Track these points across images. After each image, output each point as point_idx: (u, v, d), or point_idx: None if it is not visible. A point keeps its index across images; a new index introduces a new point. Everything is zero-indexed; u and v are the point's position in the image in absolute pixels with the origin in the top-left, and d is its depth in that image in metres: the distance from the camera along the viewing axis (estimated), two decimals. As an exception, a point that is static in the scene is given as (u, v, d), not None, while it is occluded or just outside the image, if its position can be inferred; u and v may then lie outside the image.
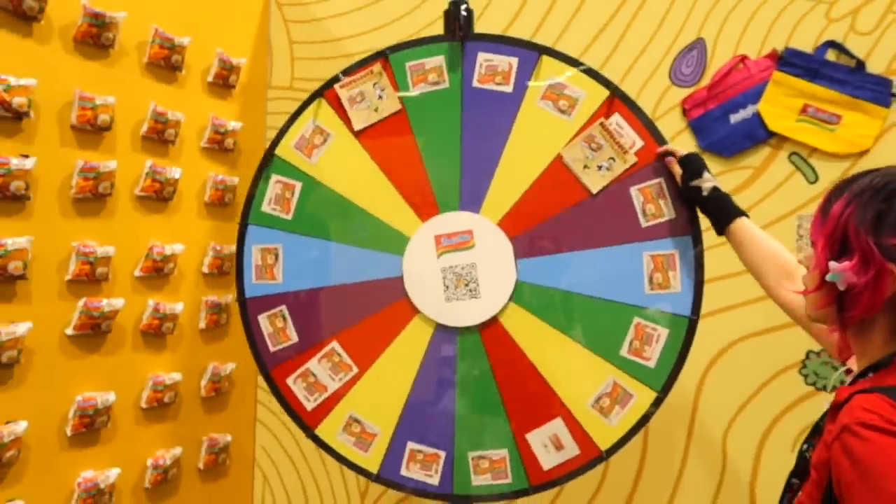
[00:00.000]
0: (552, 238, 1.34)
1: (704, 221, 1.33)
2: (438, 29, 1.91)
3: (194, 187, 1.91)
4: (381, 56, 1.45)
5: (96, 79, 1.63)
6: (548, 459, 1.32)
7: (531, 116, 1.36)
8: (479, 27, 1.48)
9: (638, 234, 1.32)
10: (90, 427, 1.63)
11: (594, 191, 1.33)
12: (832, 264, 0.89)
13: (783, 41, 1.69)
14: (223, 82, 1.96)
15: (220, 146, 1.97)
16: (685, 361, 1.31)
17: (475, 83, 1.38)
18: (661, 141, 1.35)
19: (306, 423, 1.45)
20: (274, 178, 1.50)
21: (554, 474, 1.32)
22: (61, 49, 1.56)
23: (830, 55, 1.66)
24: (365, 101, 1.44)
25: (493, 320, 1.33)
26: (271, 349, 1.47)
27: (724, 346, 1.70)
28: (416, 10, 2.00)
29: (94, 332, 1.63)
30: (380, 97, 1.43)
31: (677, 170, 1.33)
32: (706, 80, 1.74)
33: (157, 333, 1.80)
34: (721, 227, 1.30)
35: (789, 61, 1.68)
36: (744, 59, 1.72)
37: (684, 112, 1.75)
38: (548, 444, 1.32)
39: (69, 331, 1.59)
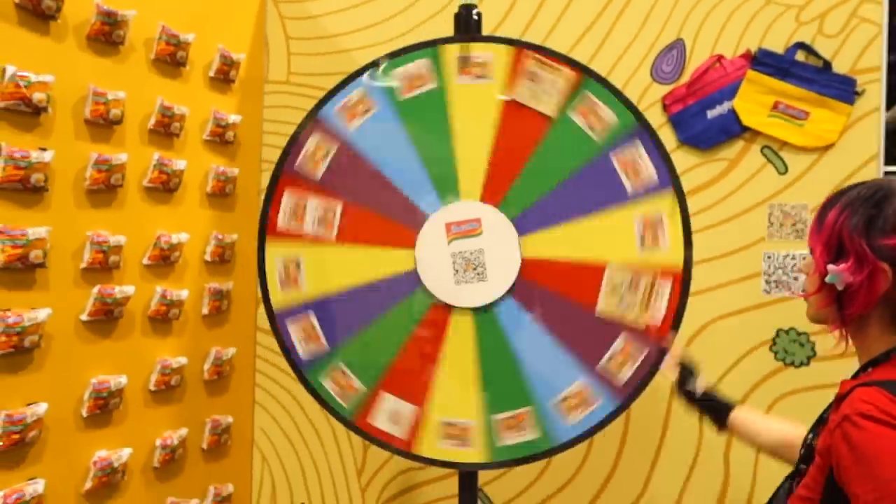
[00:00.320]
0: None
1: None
2: (433, 26, 2.02)
3: (197, 178, 1.98)
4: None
5: (108, 74, 1.69)
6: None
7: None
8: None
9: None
10: (104, 409, 1.70)
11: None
12: (830, 267, 0.99)
13: (756, 42, 1.81)
14: (224, 77, 2.03)
15: (221, 139, 2.04)
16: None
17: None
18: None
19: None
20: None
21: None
22: (76, 46, 1.62)
23: (800, 56, 1.78)
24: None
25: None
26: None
27: (701, 325, 1.83)
28: (410, 7, 2.08)
29: (107, 317, 1.70)
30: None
31: (673, 373, 1.40)
32: (685, 78, 1.85)
33: (164, 319, 1.87)
34: (720, 425, 1.36)
35: (762, 61, 1.79)
36: (720, 58, 1.83)
37: (665, 107, 1.86)
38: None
39: (84, 317, 1.65)
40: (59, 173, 1.59)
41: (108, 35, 1.67)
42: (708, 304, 1.81)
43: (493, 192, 1.46)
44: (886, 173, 1.74)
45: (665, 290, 1.42)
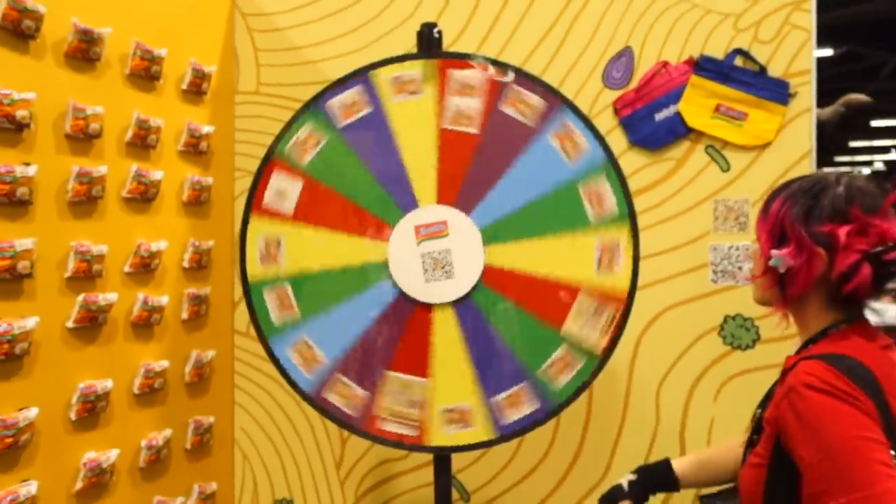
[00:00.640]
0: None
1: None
2: (394, 38, 2.12)
3: (174, 188, 2.04)
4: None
5: (86, 90, 1.75)
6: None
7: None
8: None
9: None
10: (91, 412, 1.76)
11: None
12: (773, 252, 1.10)
13: (699, 49, 1.94)
14: (196, 89, 2.10)
15: (195, 149, 2.11)
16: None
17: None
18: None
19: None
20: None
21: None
22: (55, 64, 1.68)
23: (738, 61, 1.92)
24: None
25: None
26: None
27: (655, 315, 1.96)
28: (371, 21, 2.17)
29: (91, 324, 1.76)
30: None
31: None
32: (634, 83, 1.98)
33: (146, 324, 1.94)
34: (674, 488, 1.38)
35: (704, 66, 1.93)
36: (666, 64, 1.97)
37: (616, 111, 1.99)
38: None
39: (70, 324, 1.71)
40: (43, 187, 1.65)
41: (85, 52, 1.74)
42: (660, 295, 1.94)
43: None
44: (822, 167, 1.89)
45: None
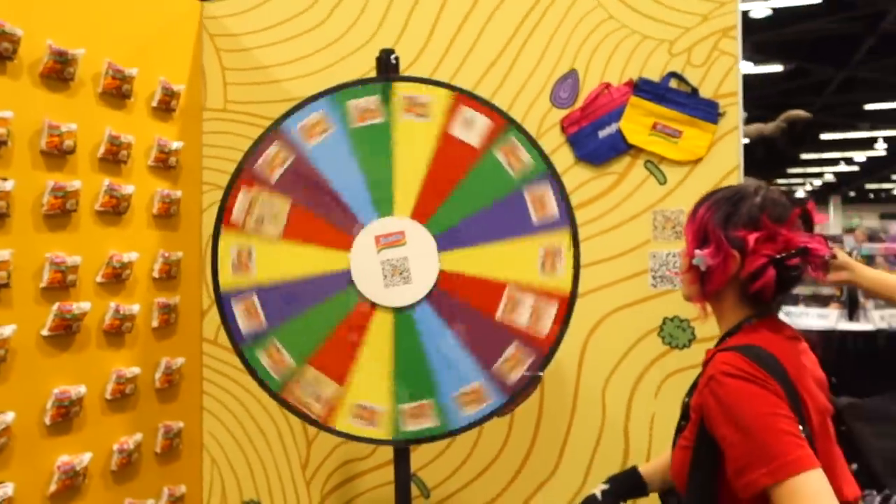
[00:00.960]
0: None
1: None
2: (355, 60, 2.25)
3: (144, 201, 2.13)
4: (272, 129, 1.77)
5: (61, 109, 1.84)
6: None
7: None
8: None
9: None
10: (65, 417, 1.84)
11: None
12: (696, 252, 1.25)
13: (637, 72, 2.10)
14: (165, 107, 2.20)
15: (164, 164, 2.20)
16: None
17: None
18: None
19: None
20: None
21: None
22: (31, 84, 1.77)
23: (673, 83, 2.07)
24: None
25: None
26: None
27: (599, 318, 2.10)
28: (334, 43, 2.29)
29: (66, 332, 1.84)
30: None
31: None
32: (579, 103, 2.12)
33: (117, 332, 2.02)
34: (644, 493, 1.47)
35: (642, 88, 2.08)
36: (608, 86, 2.12)
37: (563, 129, 2.13)
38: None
39: (45, 332, 1.79)
40: (19, 200, 1.73)
41: (59, 72, 1.83)
42: (604, 300, 2.08)
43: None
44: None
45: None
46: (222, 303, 1.75)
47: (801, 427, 1.09)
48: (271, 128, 1.77)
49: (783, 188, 1.28)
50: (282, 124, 1.75)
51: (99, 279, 1.96)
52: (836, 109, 13.28)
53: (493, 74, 2.16)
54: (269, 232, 1.75)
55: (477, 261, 1.71)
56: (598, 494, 1.46)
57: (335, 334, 1.75)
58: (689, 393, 1.31)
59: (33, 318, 1.77)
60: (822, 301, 5.72)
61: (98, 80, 1.96)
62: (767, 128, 4.88)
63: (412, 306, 1.71)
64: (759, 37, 8.72)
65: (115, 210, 2.00)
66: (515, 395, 1.67)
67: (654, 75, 2.08)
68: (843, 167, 19.90)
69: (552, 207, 1.67)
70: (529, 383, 1.67)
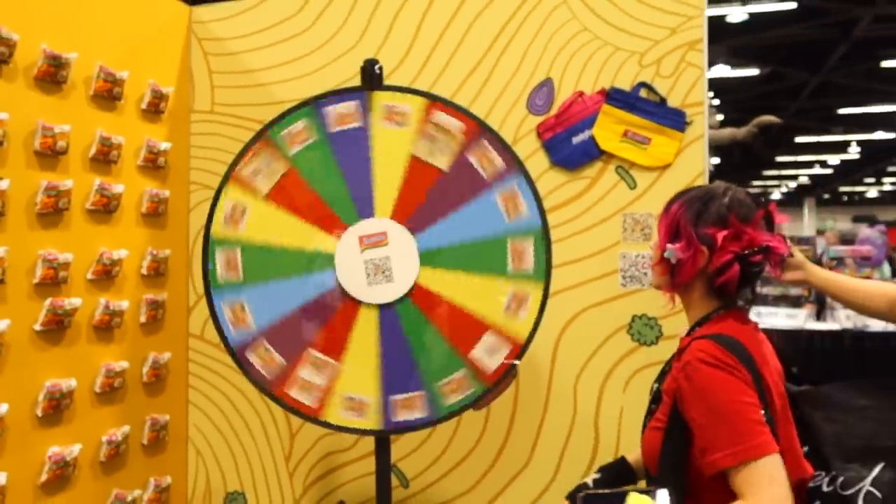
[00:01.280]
0: (431, 211, 1.78)
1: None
2: (338, 66, 2.33)
3: (133, 200, 2.20)
4: (261, 136, 1.85)
5: (54, 110, 1.90)
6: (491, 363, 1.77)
7: (382, 136, 1.81)
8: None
9: (485, 184, 1.79)
10: (56, 409, 1.90)
11: (444, 168, 1.79)
12: (668, 245, 1.35)
13: (610, 81, 2.19)
14: (155, 109, 2.26)
15: (153, 164, 2.26)
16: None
17: (334, 128, 1.82)
18: (474, 118, 1.82)
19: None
20: (217, 251, 1.85)
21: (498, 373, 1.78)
22: (25, 87, 1.83)
23: (643, 93, 2.17)
24: (261, 173, 1.82)
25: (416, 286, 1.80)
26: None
27: (571, 316, 2.20)
28: (318, 49, 2.37)
29: (58, 327, 1.91)
30: (269, 165, 1.83)
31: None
32: (554, 110, 2.21)
33: (107, 328, 2.08)
34: (633, 480, 1.52)
35: (614, 97, 2.18)
36: (581, 94, 2.21)
37: (539, 135, 2.22)
38: (489, 351, 1.76)
39: (38, 326, 1.85)
40: (14, 199, 1.80)
41: (53, 75, 1.89)
42: (575, 298, 2.18)
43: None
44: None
45: (442, 115, 1.78)
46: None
47: (763, 411, 1.19)
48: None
49: (754, 190, 1.38)
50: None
51: (90, 276, 2.02)
52: (811, 113, 13.56)
53: (472, 82, 2.25)
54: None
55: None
56: (590, 482, 1.52)
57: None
58: (660, 379, 1.41)
59: (26, 313, 1.83)
60: (791, 301, 5.89)
61: (90, 82, 2.02)
62: (740, 132, 5.01)
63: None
64: (736, 41, 8.91)
65: (105, 209, 2.06)
66: (494, 384, 1.76)
67: (626, 85, 2.17)
68: (817, 170, 20.27)
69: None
70: (506, 373, 1.77)
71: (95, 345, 2.05)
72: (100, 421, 2.07)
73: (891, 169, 19.18)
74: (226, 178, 1.85)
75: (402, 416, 1.79)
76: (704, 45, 2.13)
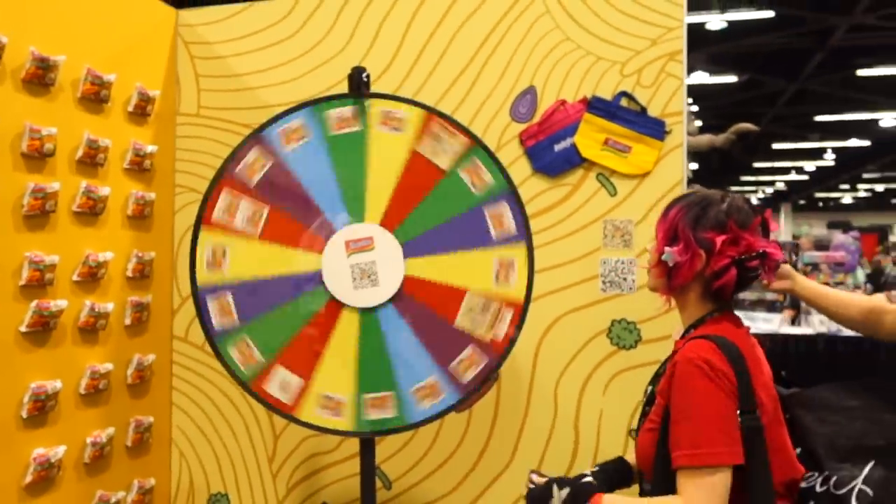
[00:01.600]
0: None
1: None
2: (325, 72, 2.35)
3: (119, 203, 2.21)
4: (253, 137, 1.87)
5: (42, 113, 1.91)
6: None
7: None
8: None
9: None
10: (41, 410, 1.90)
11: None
12: (666, 248, 1.37)
13: (591, 90, 2.24)
14: (141, 112, 2.27)
15: (139, 167, 2.28)
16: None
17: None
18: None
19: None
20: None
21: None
22: (13, 89, 1.84)
23: (623, 102, 2.22)
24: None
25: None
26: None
27: (552, 320, 2.24)
28: (305, 54, 2.40)
29: (43, 329, 1.91)
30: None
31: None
32: (537, 118, 2.26)
33: (92, 329, 2.09)
34: (630, 477, 1.50)
35: (595, 105, 2.23)
36: (563, 103, 2.25)
37: (521, 142, 2.27)
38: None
39: (23, 328, 1.86)
40: (0, 201, 1.80)
41: (41, 78, 1.90)
42: (556, 303, 2.22)
43: (390, 219, 1.84)
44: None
45: (508, 316, 1.82)
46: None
47: (751, 414, 1.22)
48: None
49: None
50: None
51: (75, 278, 2.03)
52: (788, 120, 13.76)
53: (457, 89, 2.29)
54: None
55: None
56: (589, 474, 1.54)
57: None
58: (654, 381, 1.44)
59: (12, 315, 1.84)
60: (767, 306, 6.00)
61: (77, 85, 2.03)
62: (718, 139, 5.10)
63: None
64: (715, 48, 9.03)
65: (91, 211, 2.07)
66: (469, 392, 1.80)
67: (607, 94, 2.23)
68: (793, 176, 20.56)
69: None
70: (484, 381, 1.80)
71: (80, 346, 2.05)
72: (84, 422, 2.07)
73: (865, 175, 19.52)
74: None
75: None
76: (684, 56, 2.19)
